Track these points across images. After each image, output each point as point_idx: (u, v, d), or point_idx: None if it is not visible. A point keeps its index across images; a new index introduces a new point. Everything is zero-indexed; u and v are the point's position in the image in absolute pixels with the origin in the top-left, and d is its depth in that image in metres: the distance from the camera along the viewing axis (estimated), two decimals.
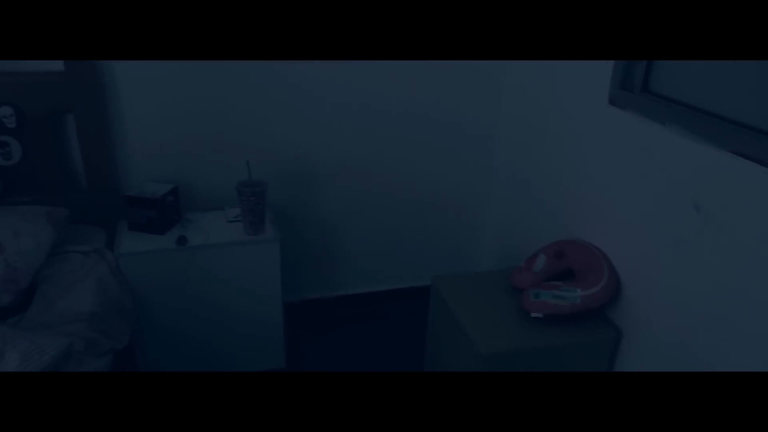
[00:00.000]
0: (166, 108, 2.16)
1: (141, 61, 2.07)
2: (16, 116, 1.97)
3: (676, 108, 1.55)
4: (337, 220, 2.50)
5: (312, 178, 2.39)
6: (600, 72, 1.79)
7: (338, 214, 2.49)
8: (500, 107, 2.45)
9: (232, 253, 2.08)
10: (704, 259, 1.47)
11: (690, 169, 1.49)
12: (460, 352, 1.84)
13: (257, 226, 2.08)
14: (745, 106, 1.37)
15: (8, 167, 2.04)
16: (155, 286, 2.07)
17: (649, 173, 1.64)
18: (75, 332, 1.65)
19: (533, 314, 1.76)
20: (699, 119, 1.47)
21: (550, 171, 2.15)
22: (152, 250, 2.03)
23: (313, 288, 2.61)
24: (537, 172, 2.23)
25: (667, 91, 1.61)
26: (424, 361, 2.20)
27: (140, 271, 2.03)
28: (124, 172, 2.21)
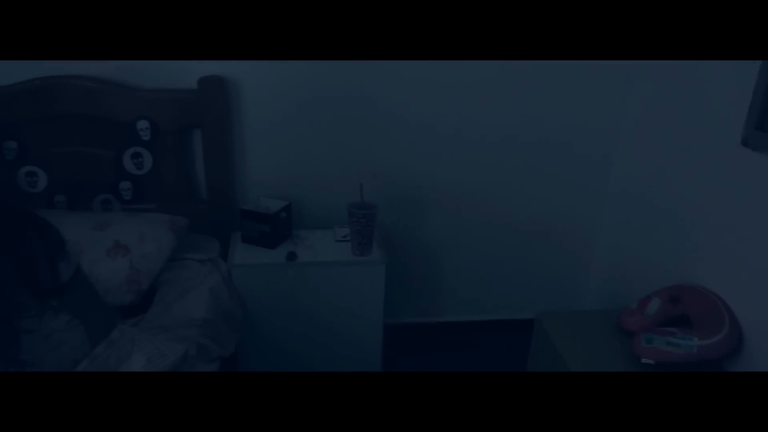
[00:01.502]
0: (284, 128, 2.24)
1: (265, 84, 2.17)
2: (151, 129, 2.11)
3: None
4: (440, 247, 2.50)
5: (419, 203, 2.41)
6: (733, 110, 1.71)
7: (442, 240, 2.49)
8: (617, 137, 2.37)
9: (338, 272, 2.13)
10: None
11: None
12: None
13: (365, 247, 2.12)
14: None
15: (139, 176, 2.18)
16: (263, 298, 2.14)
17: None
18: (189, 337, 1.73)
19: (644, 360, 1.68)
20: None
21: (669, 209, 2.06)
22: (263, 263, 2.11)
23: (412, 312, 2.61)
24: (655, 209, 2.15)
25: None
26: None
27: (250, 283, 2.11)
28: (241, 187, 2.31)
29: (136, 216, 2.08)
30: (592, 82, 2.29)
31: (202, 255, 2.11)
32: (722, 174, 1.79)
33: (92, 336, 1.40)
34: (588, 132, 2.38)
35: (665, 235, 2.08)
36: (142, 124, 2.10)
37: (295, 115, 2.23)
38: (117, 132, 2.12)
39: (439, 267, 2.54)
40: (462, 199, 2.43)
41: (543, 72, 2.24)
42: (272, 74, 2.16)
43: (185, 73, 2.09)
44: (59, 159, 2.16)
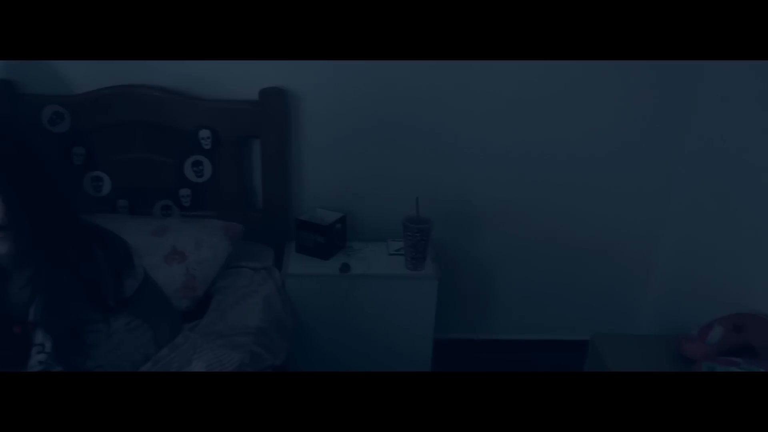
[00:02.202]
0: (341, 141, 2.26)
1: (324, 98, 2.19)
2: (212, 139, 2.15)
3: None
4: (493, 264, 2.47)
5: (473, 220, 2.39)
6: None
7: (495, 257, 2.46)
8: (680, 154, 2.30)
9: (391, 285, 2.13)
10: None
11: None
12: None
13: (418, 261, 2.11)
14: None
15: (198, 183, 2.23)
16: (314, 308, 2.15)
17: None
18: (243, 344, 1.75)
19: None
20: None
21: (734, 233, 1.99)
22: (317, 274, 2.12)
23: (462, 328, 2.59)
24: (718, 232, 2.08)
25: None
26: None
27: (303, 293, 2.13)
28: (297, 197, 2.33)
29: (193, 222, 2.12)
30: (652, 98, 2.24)
31: (256, 263, 2.14)
32: None
33: (158, 338, 1.43)
34: (647, 150, 2.32)
35: (728, 260, 2.01)
36: (204, 133, 2.15)
37: (352, 128, 2.25)
38: (179, 140, 2.18)
39: (492, 284, 2.51)
40: (516, 217, 2.40)
41: (598, 89, 2.21)
42: (331, 88, 2.19)
43: (247, 85, 2.13)
44: (123, 165, 2.22)
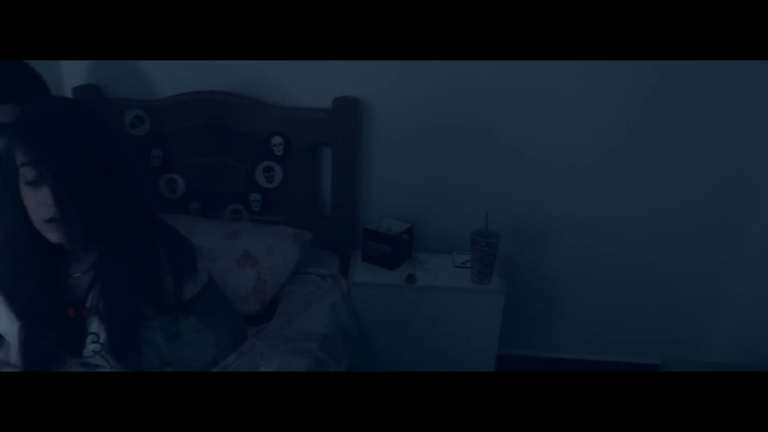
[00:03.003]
0: (411, 151, 2.26)
1: (395, 108, 2.20)
2: (284, 146, 2.18)
3: None
4: (560, 280, 2.42)
5: (541, 234, 2.35)
6: None
7: (563, 273, 2.41)
8: (762, 173, 2.20)
9: (456, 298, 2.11)
10: None
11: None
12: None
13: (485, 276, 2.09)
14: None
15: (269, 189, 2.26)
16: (379, 317, 2.15)
17: None
18: (308, 350, 1.77)
19: None
20: None
21: None
22: (382, 283, 2.13)
23: (526, 345, 2.54)
24: None
25: None
26: None
27: (368, 302, 2.13)
28: (364, 206, 2.34)
29: (265, 228, 2.15)
30: (749, 105, 2.13)
31: (323, 270, 2.16)
32: None
33: (220, 344, 1.46)
34: (727, 166, 2.22)
35: None
36: (276, 140, 2.18)
37: (421, 138, 2.24)
38: (252, 146, 2.22)
39: (558, 301, 2.46)
40: (586, 232, 2.34)
41: (689, 93, 2.12)
42: (403, 98, 2.19)
43: (320, 93, 2.16)
44: (197, 168, 2.28)
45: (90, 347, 1.21)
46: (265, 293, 1.95)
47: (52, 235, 1.08)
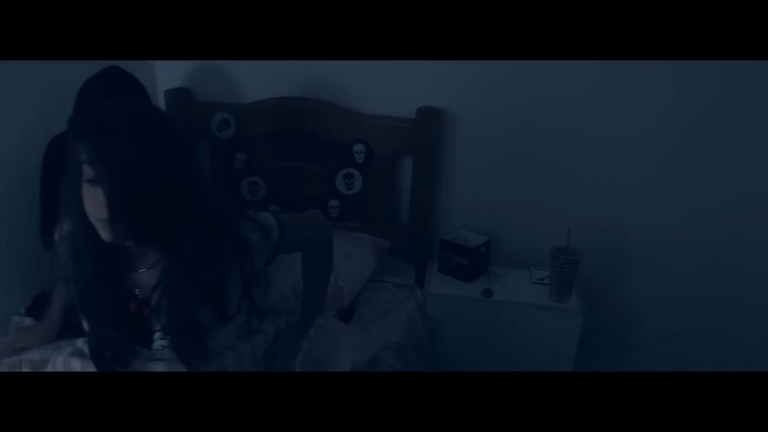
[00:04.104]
0: (492, 163, 2.24)
1: (477, 118, 2.18)
2: (366, 153, 2.20)
3: None
4: (643, 300, 2.32)
5: (623, 253, 2.27)
6: None
7: (646, 295, 2.31)
8: None
9: (533, 315, 2.07)
10: None
11: None
12: None
13: (563, 293, 2.05)
14: None
15: (348, 196, 2.28)
16: (453, 330, 2.13)
17: None
18: (383, 359, 1.76)
19: None
20: None
21: None
22: (458, 296, 2.11)
23: (602, 365, 2.46)
24: None
25: None
26: None
27: (442, 313, 2.12)
28: (442, 217, 2.33)
29: (342, 234, 2.16)
30: None
31: (399, 279, 2.16)
32: None
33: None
34: None
35: None
36: (358, 147, 2.20)
37: (503, 150, 2.21)
38: (334, 152, 2.24)
39: (640, 321, 2.36)
40: (672, 251, 2.23)
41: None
42: (486, 109, 2.17)
43: (403, 102, 2.16)
44: (279, 172, 2.32)
45: (158, 342, 1.23)
46: (342, 300, 1.96)
47: (105, 234, 1.10)
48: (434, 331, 2.12)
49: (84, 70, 1.75)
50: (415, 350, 1.98)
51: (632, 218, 2.22)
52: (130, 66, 1.83)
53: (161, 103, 2.32)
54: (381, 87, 2.20)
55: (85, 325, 1.24)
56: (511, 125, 2.18)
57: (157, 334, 1.22)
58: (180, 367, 1.23)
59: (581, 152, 2.17)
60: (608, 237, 2.25)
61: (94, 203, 1.07)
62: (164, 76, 2.36)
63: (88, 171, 1.07)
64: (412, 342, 1.97)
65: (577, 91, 2.10)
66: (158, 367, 1.25)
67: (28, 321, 1.79)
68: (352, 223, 2.30)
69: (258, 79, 2.29)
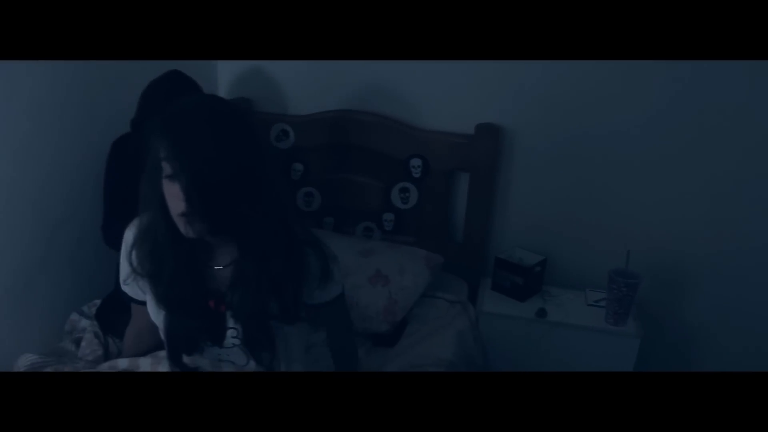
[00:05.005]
0: (549, 181, 2.21)
1: (536, 136, 2.16)
2: (423, 168, 2.20)
3: None
4: (703, 327, 2.25)
5: (683, 277, 2.20)
6: None
7: (706, 318, 2.23)
8: None
9: (588, 337, 2.03)
10: None
11: None
12: None
13: (620, 317, 2.00)
14: None
15: (403, 210, 2.28)
16: (505, 349, 2.11)
17: None
18: None
19: None
20: None
21: None
22: (512, 315, 2.08)
23: None
24: None
25: None
26: None
27: (495, 332, 2.09)
28: (497, 234, 2.31)
29: (397, 248, 2.17)
30: None
31: (452, 296, 2.14)
32: None
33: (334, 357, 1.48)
34: None
35: None
36: (415, 162, 2.20)
37: (561, 169, 2.18)
38: (390, 166, 2.25)
39: (701, 349, 2.29)
40: (738, 276, 2.15)
41: None
42: (544, 126, 2.15)
43: (462, 118, 2.16)
44: (334, 184, 2.34)
45: (230, 340, 1.24)
46: (396, 314, 1.95)
47: (184, 229, 1.11)
48: (486, 350, 2.10)
49: (145, 72, 1.81)
50: (467, 368, 1.96)
51: (693, 241, 2.15)
52: (194, 74, 1.88)
53: None
54: (438, 102, 2.20)
55: (161, 316, 1.26)
56: (568, 143, 2.15)
57: (229, 332, 1.24)
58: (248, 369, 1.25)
59: (641, 172, 2.13)
60: (668, 260, 2.19)
61: (174, 198, 1.09)
62: (226, 86, 2.41)
63: (166, 167, 1.08)
64: (463, 360, 1.95)
65: (638, 110, 2.06)
66: (227, 368, 1.27)
67: (85, 322, 1.83)
68: (406, 237, 2.30)
69: (317, 91, 2.31)
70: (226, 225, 1.13)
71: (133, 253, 1.22)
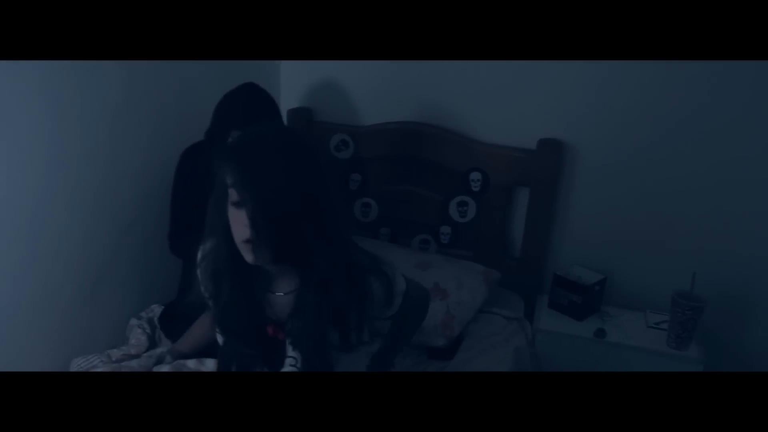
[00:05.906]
0: (611, 200, 2.16)
1: (599, 153, 2.12)
2: (482, 182, 2.18)
3: None
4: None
5: (750, 304, 2.11)
6: None
7: None
8: None
9: (648, 360, 1.98)
10: None
11: None
12: None
13: (683, 341, 1.95)
14: None
15: (460, 223, 2.27)
16: (562, 368, 2.06)
17: None
18: None
19: None
20: None
21: None
22: (569, 334, 2.05)
23: None
24: None
25: None
26: None
27: (552, 351, 2.06)
28: (555, 250, 2.28)
29: (454, 262, 2.15)
30: None
31: (508, 312, 2.12)
32: None
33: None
34: None
35: None
36: (475, 176, 2.19)
37: (624, 187, 2.14)
38: (449, 179, 2.24)
39: None
40: None
41: None
42: (607, 141, 2.11)
43: (524, 133, 2.14)
44: (392, 195, 2.35)
45: (288, 368, 1.23)
46: (453, 328, 1.95)
47: (248, 256, 1.12)
48: (543, 369, 2.07)
49: (213, 80, 1.85)
50: None
51: (763, 267, 2.08)
52: (258, 83, 1.91)
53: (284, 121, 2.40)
54: (500, 116, 2.19)
55: (220, 339, 1.28)
56: (631, 159, 2.11)
57: (288, 360, 1.23)
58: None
59: (709, 191, 2.07)
60: (733, 285, 2.12)
61: (239, 225, 1.10)
62: (288, 96, 2.44)
63: (233, 194, 1.10)
64: None
65: (705, 125, 2.01)
66: None
67: (144, 326, 1.89)
68: (463, 251, 2.29)
69: (377, 103, 2.33)
70: (289, 254, 1.14)
71: (199, 273, 1.25)
